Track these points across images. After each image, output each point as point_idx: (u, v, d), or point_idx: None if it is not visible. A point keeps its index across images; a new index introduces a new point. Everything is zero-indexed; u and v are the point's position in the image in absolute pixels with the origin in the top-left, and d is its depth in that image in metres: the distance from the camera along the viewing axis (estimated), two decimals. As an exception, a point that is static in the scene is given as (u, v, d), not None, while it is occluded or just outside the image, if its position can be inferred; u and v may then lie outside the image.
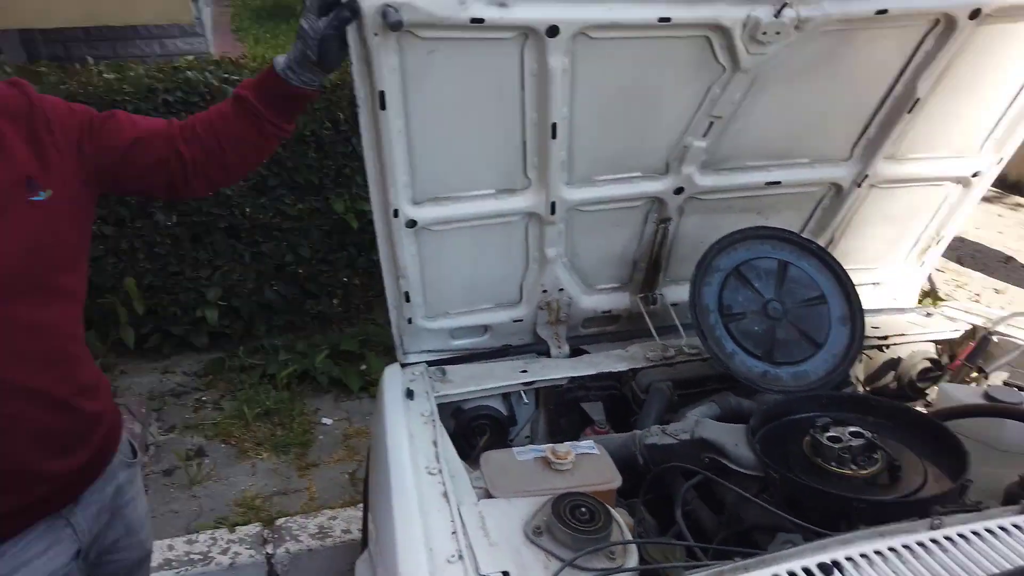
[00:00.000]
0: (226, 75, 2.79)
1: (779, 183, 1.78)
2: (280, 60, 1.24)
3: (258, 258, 3.11)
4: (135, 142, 1.21)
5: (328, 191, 3.04)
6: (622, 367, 1.77)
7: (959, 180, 1.89)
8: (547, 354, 1.87)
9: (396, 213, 1.52)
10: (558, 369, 1.80)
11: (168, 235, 2.94)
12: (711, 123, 1.60)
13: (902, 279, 2.12)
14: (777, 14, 1.41)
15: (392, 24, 1.22)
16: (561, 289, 1.82)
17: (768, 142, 1.70)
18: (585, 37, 1.39)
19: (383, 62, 1.30)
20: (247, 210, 2.96)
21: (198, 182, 1.29)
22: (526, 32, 1.36)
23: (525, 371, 1.78)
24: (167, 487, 2.61)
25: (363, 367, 3.21)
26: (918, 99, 1.63)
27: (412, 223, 1.55)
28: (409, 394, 1.63)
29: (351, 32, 1.25)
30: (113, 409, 1.33)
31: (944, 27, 1.52)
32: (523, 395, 1.80)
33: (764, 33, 1.42)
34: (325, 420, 2.99)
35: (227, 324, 3.22)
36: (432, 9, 1.26)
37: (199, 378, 3.20)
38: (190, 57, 3.18)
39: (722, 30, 1.43)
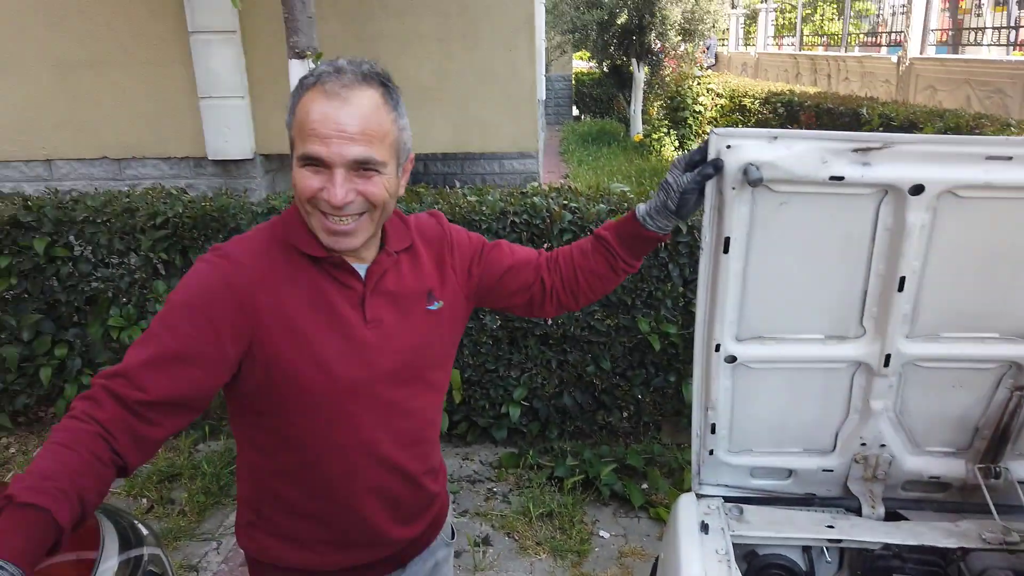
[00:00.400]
0: (565, 201, 3.13)
1: None
2: (641, 207, 1.38)
3: (563, 366, 3.33)
4: (510, 268, 1.42)
5: (637, 311, 3.19)
6: (950, 543, 1.58)
7: None
8: (858, 512, 1.73)
9: (718, 347, 1.56)
10: (871, 531, 1.66)
11: (491, 336, 3.29)
12: None
13: None
14: None
15: (752, 181, 1.30)
16: (883, 445, 1.70)
17: None
18: (952, 195, 1.35)
19: (734, 212, 1.39)
20: (561, 321, 3.21)
21: (550, 305, 1.46)
22: (886, 189, 1.36)
23: (832, 527, 1.67)
24: (455, 568, 2.81)
25: (644, 485, 3.21)
26: None
27: (732, 359, 1.58)
28: (704, 527, 1.62)
29: (709, 184, 1.36)
30: (445, 493, 1.51)
31: None
32: (826, 552, 1.69)
33: None
34: (603, 533, 3.03)
35: (525, 423, 3.45)
36: (793, 168, 1.32)
37: (493, 469, 3.44)
38: (535, 184, 3.61)
39: None
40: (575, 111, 17.06)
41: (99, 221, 3.30)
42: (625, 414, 3.44)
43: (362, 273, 1.25)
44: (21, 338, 3.43)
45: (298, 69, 2.53)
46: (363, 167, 1.13)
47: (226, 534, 2.96)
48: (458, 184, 3.52)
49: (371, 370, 1.24)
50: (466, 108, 4.66)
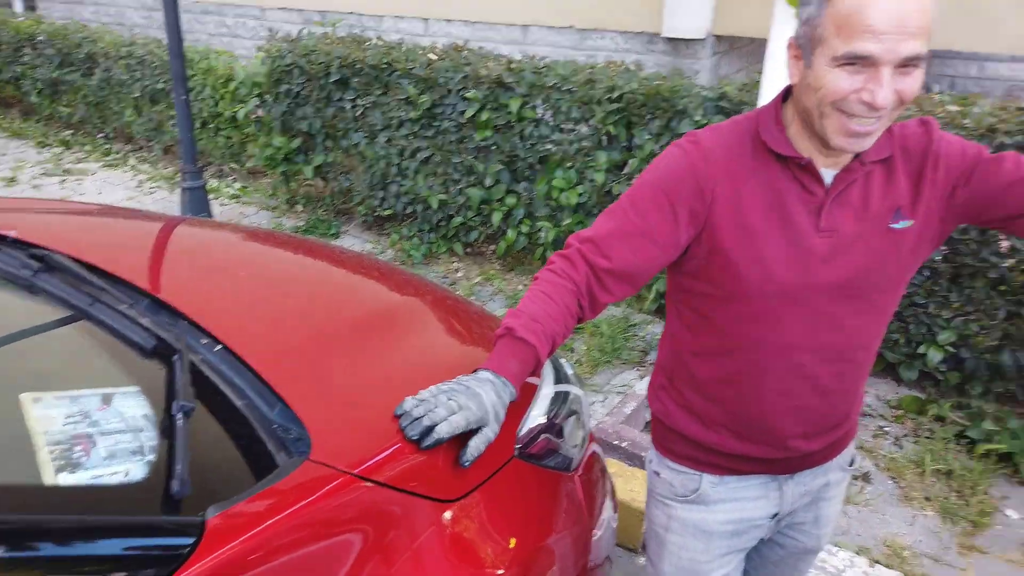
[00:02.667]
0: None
1: None
2: None
3: (1013, 319, 2.85)
4: (1011, 185, 1.20)
5: None
6: None
7: None
8: None
9: None
10: None
11: (929, 267, 2.93)
12: None
13: None
14: None
15: None
16: None
17: None
18: None
19: None
20: (1029, 267, 2.72)
21: None
22: None
23: None
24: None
25: (1082, 478, 2.70)
26: None
27: None
28: None
29: None
30: (855, 421, 1.45)
31: None
32: None
33: None
34: (1010, 512, 2.65)
35: (943, 371, 3.08)
36: None
37: (890, 407, 3.18)
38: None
39: None
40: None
41: (564, 88, 3.65)
42: (1084, 392, 2.86)
43: (828, 180, 1.20)
44: (484, 183, 4.05)
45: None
46: (909, 63, 1.05)
47: (612, 391, 3.26)
48: (935, 86, 3.06)
49: (811, 278, 1.22)
50: (962, -2, 3.94)
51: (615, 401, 3.17)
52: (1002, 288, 2.83)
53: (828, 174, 1.20)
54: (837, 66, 1.06)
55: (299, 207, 5.21)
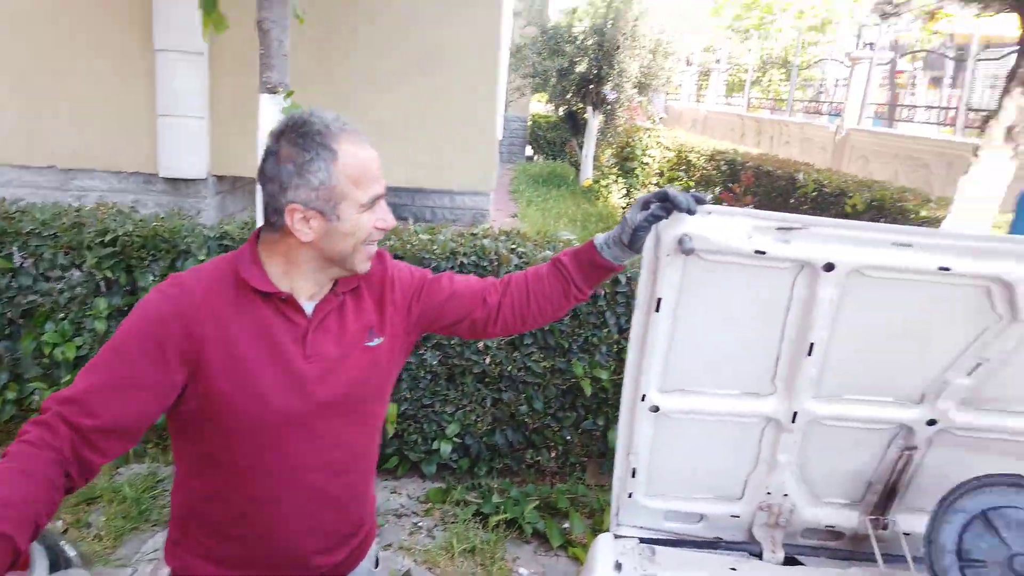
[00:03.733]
0: (513, 246, 3.25)
1: (1051, 433, 1.69)
2: (599, 237, 1.49)
3: (497, 404, 3.42)
4: (450, 298, 1.50)
5: (573, 355, 3.31)
6: None
7: None
8: (759, 556, 1.86)
9: (644, 397, 1.68)
10: (770, 574, 1.79)
11: (430, 372, 3.35)
12: (978, 364, 1.61)
13: None
14: None
15: (685, 251, 1.45)
16: (786, 495, 1.83)
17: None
18: (859, 274, 1.52)
19: (666, 276, 1.53)
20: (499, 360, 3.30)
21: (494, 327, 1.54)
22: (802, 264, 1.51)
23: (735, 569, 1.79)
24: (378, 598, 2.82)
25: (566, 525, 3.29)
26: None
27: (655, 408, 1.70)
28: (618, 566, 1.72)
29: (647, 251, 1.49)
30: (372, 523, 1.57)
31: None
32: None
33: None
34: (522, 570, 3.08)
35: (455, 459, 3.51)
36: (722, 241, 1.48)
37: (420, 503, 3.46)
38: (486, 225, 3.72)
39: (1004, 284, 1.48)
40: (529, 151, 17.40)
41: (45, 235, 3.27)
42: (553, 454, 3.53)
43: (309, 310, 1.33)
44: (-52, 346, 3.35)
45: (268, 104, 2.60)
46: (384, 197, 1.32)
47: (142, 560, 2.90)
48: (409, 218, 3.61)
49: (307, 402, 1.31)
50: (425, 146, 4.77)
51: (147, 570, 2.82)
52: (487, 380, 3.39)
53: (308, 306, 1.33)
54: (364, 211, 1.28)
55: None
